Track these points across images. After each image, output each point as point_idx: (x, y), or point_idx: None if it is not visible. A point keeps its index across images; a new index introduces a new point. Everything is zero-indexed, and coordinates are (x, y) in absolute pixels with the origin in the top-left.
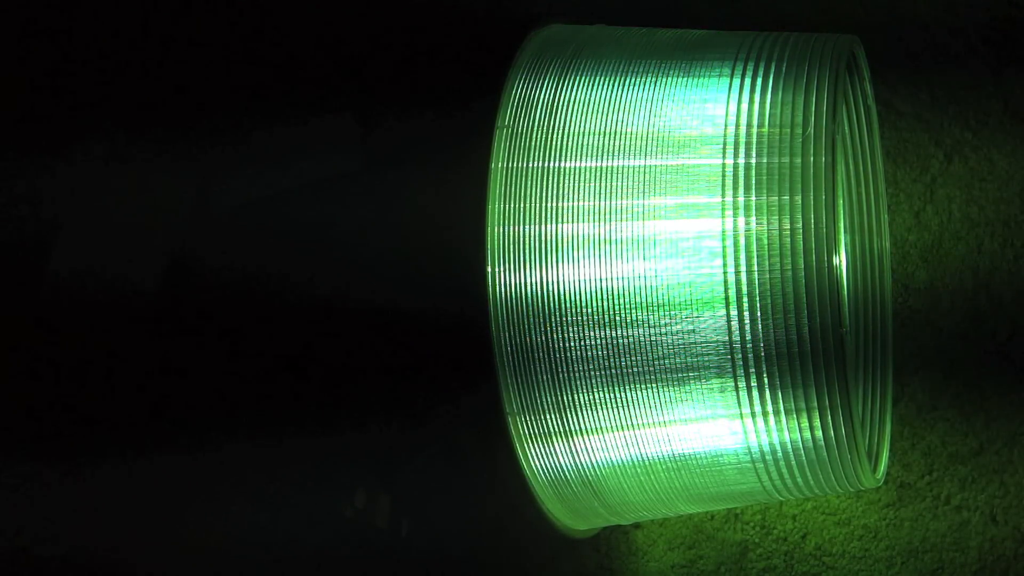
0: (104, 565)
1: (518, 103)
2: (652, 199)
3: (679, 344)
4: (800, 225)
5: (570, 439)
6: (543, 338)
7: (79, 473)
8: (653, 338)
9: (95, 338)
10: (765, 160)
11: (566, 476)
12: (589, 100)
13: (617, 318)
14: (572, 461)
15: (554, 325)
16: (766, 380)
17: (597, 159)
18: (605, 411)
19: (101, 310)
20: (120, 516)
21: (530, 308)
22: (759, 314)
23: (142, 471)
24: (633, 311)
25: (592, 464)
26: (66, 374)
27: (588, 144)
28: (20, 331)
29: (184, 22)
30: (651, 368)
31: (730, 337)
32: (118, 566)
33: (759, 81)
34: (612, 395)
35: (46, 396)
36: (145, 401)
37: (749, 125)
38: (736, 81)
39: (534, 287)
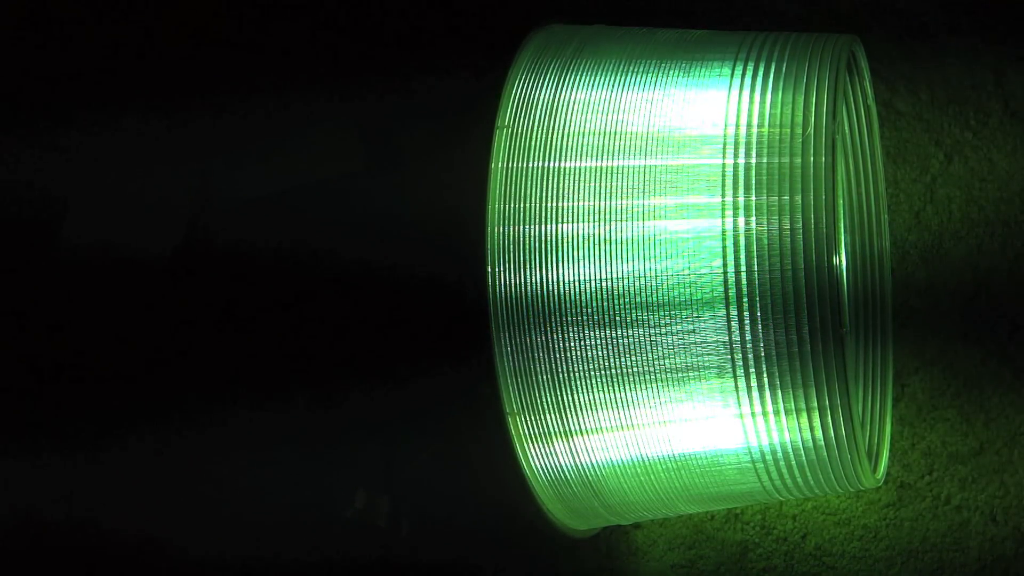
0: (120, 537)
1: (518, 103)
2: (652, 199)
3: (679, 344)
4: (800, 225)
5: (570, 439)
6: (543, 338)
7: (89, 451)
8: (653, 338)
9: (104, 313)
10: (765, 160)
11: (566, 476)
12: (589, 100)
13: (617, 318)
14: (572, 461)
15: (554, 325)
16: (766, 380)
17: (597, 159)
18: (605, 411)
19: (113, 285)
20: (132, 488)
21: (530, 308)
22: (759, 314)
23: (146, 448)
24: (633, 311)
25: (592, 464)
26: (74, 352)
27: (588, 144)
28: (32, 310)
29: (192, 11)
30: (651, 368)
31: (730, 337)
32: (135, 537)
33: (759, 81)
34: (612, 395)
35: (61, 373)
36: (153, 374)
37: (749, 125)
38: (736, 81)
39: (534, 287)
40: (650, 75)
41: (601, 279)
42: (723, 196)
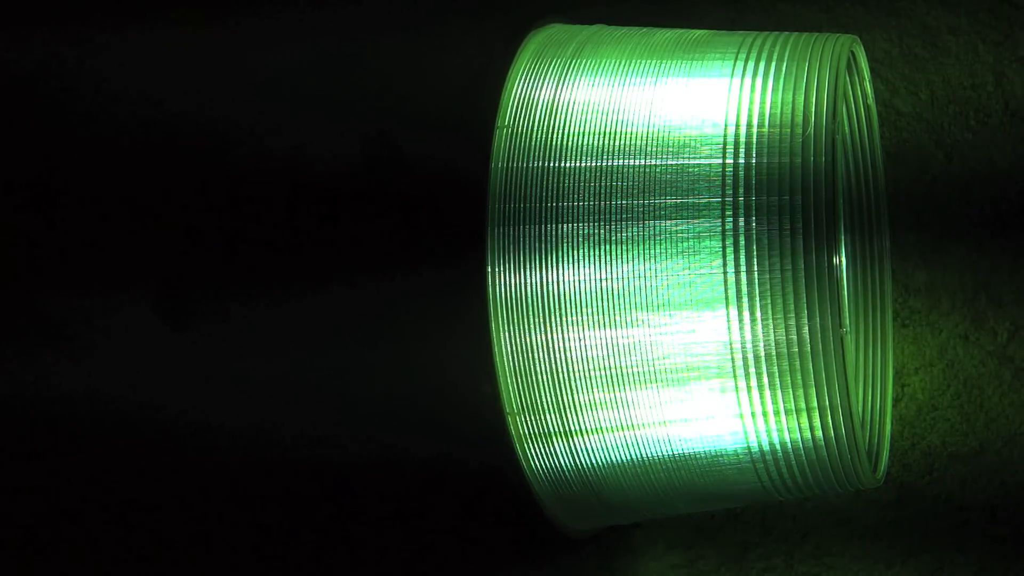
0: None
1: (518, 103)
2: (652, 199)
3: (679, 344)
4: (800, 225)
5: (570, 439)
6: (543, 338)
7: None
8: (653, 338)
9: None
10: (765, 160)
11: (566, 476)
12: (589, 100)
13: (617, 318)
14: (572, 461)
15: (554, 325)
16: (766, 380)
17: (597, 159)
18: (605, 411)
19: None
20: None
21: (530, 308)
22: (759, 314)
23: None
24: (633, 311)
25: (592, 464)
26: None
27: (588, 144)
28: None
29: None
30: (651, 368)
31: (730, 337)
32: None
33: (759, 81)
34: (612, 395)
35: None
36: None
37: (749, 125)
38: (736, 81)
39: (534, 287)
40: (650, 75)
41: (601, 279)
42: (723, 196)
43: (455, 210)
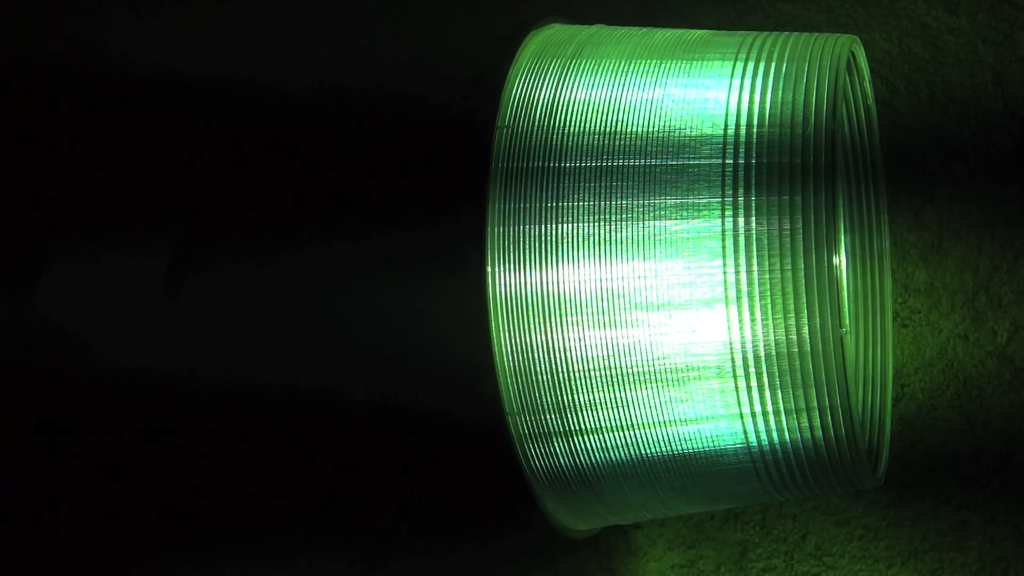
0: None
1: (518, 103)
2: (652, 199)
3: (679, 344)
4: (800, 225)
5: (570, 439)
6: (543, 338)
7: None
8: (653, 338)
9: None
10: (765, 160)
11: (566, 476)
12: (589, 100)
13: (617, 318)
14: (572, 461)
15: (554, 325)
16: (766, 380)
17: (597, 159)
18: (605, 411)
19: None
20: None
21: (530, 308)
22: (759, 314)
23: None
24: (633, 311)
25: (592, 464)
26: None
27: (588, 144)
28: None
29: None
30: (651, 368)
31: (730, 337)
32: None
33: (759, 81)
34: (612, 395)
35: None
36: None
37: (749, 125)
38: (736, 81)
39: (534, 287)
40: (650, 75)
41: (601, 279)
42: (723, 196)
43: (455, 210)
